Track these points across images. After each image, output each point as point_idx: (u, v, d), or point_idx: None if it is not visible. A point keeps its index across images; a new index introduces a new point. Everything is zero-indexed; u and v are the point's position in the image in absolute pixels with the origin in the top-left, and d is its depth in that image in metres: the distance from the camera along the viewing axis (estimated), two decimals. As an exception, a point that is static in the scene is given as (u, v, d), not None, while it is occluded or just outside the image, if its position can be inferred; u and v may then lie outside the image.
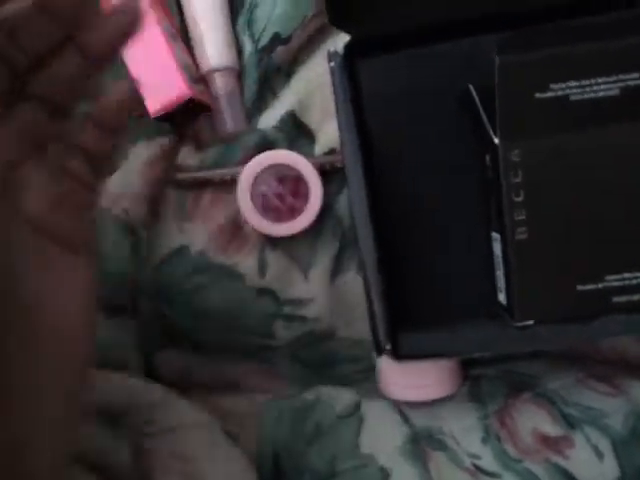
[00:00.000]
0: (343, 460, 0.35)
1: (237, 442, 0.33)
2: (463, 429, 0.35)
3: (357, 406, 0.37)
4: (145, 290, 0.38)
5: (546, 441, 0.34)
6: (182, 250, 0.37)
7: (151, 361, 0.40)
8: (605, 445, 0.33)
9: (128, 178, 0.36)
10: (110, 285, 0.36)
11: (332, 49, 0.31)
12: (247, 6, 0.38)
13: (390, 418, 0.36)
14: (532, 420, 0.35)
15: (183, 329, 0.39)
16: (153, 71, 0.36)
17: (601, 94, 0.28)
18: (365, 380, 0.40)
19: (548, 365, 0.39)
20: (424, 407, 0.37)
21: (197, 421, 0.32)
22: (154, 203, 0.37)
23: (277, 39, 0.36)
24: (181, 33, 0.39)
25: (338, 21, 0.30)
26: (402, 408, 0.37)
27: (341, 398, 0.38)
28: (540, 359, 0.40)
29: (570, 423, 0.35)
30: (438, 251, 0.33)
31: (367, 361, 0.40)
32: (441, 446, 0.35)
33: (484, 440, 0.35)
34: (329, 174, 0.37)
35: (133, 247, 0.36)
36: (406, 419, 0.36)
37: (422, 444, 0.35)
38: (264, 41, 0.37)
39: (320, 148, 0.38)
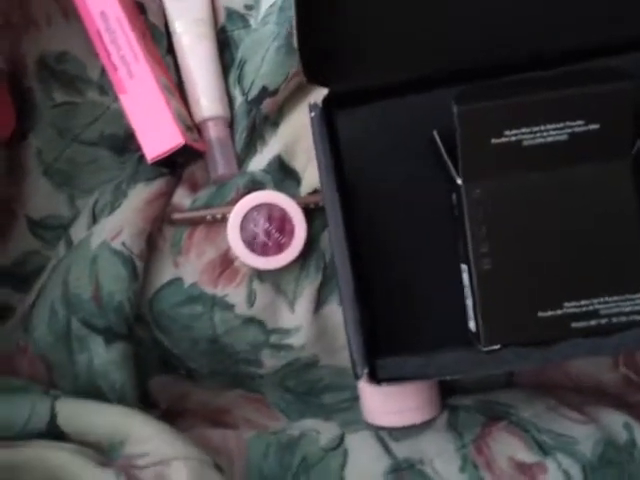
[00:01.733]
0: None
1: (227, 476, 0.34)
2: (442, 458, 0.37)
3: (341, 439, 0.39)
4: (141, 319, 0.40)
5: (521, 468, 0.36)
6: (176, 282, 0.39)
7: (146, 387, 0.41)
8: (576, 470, 0.35)
9: (128, 215, 0.38)
10: (110, 315, 0.38)
11: (312, 101, 0.35)
12: (237, 62, 0.41)
13: (372, 449, 0.38)
14: (507, 448, 0.37)
15: (178, 356, 0.41)
16: (150, 120, 0.39)
17: (550, 139, 0.31)
18: (350, 409, 0.42)
19: (522, 394, 0.41)
20: (405, 438, 0.39)
21: (188, 453, 0.33)
22: (151, 239, 0.39)
23: (265, 92, 0.39)
24: (177, 85, 0.42)
25: (314, 78, 0.34)
26: (384, 439, 0.39)
27: (326, 432, 0.39)
28: (515, 389, 0.42)
29: (543, 450, 0.36)
30: (413, 282, 0.36)
31: (351, 390, 0.42)
32: (421, 475, 0.36)
33: (462, 468, 0.36)
34: (313, 212, 0.40)
35: (131, 278, 0.38)
36: (388, 450, 0.38)
37: (403, 474, 0.36)
38: (253, 93, 0.40)
39: (305, 189, 0.40)
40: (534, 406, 0.39)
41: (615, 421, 0.37)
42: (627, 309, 0.32)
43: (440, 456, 0.37)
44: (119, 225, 0.38)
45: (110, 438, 0.33)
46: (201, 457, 0.33)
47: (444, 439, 0.38)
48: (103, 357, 0.37)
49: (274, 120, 0.41)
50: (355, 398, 0.42)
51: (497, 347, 0.32)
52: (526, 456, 0.36)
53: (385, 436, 0.39)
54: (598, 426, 0.37)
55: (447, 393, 0.41)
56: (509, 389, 0.42)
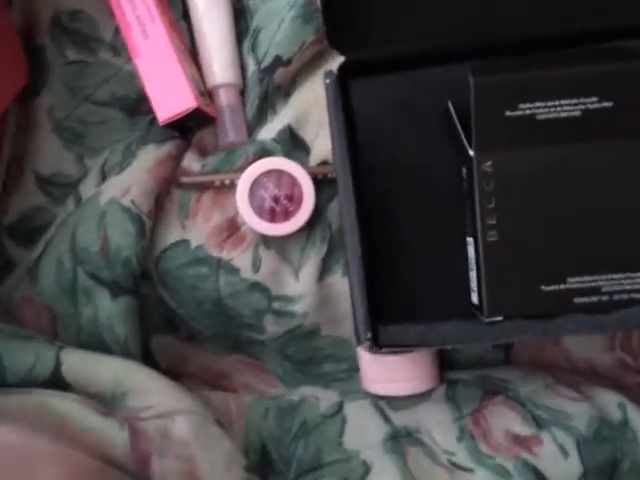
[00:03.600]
0: (328, 454, 0.37)
1: (227, 432, 0.35)
2: (439, 428, 0.37)
3: (340, 406, 0.39)
4: (147, 277, 0.40)
5: (516, 440, 0.36)
6: (182, 243, 0.39)
7: (148, 345, 0.42)
8: (570, 445, 0.36)
9: (137, 174, 0.38)
10: (117, 269, 0.38)
11: (328, 69, 0.35)
12: (252, 31, 0.41)
13: (371, 417, 0.38)
14: (504, 421, 0.37)
15: (181, 316, 0.41)
16: (164, 82, 0.39)
17: (564, 114, 0.32)
18: (348, 379, 0.42)
19: (520, 372, 0.41)
20: (403, 408, 0.39)
21: (191, 408, 0.33)
22: (159, 200, 0.40)
23: (278, 61, 0.39)
24: (191, 50, 0.42)
25: (334, 44, 0.34)
26: (383, 408, 0.39)
27: (325, 399, 0.40)
28: (513, 367, 0.42)
29: (539, 424, 0.37)
30: (418, 255, 0.36)
31: (350, 361, 0.43)
32: (419, 443, 0.37)
33: (459, 438, 0.37)
34: (321, 183, 0.40)
35: (139, 235, 0.38)
36: (387, 419, 0.38)
37: (401, 441, 0.37)
38: (266, 62, 0.40)
39: (314, 160, 0.40)
40: (531, 382, 0.40)
41: (610, 400, 0.38)
42: (628, 287, 0.32)
43: (438, 426, 0.38)
44: (128, 183, 0.38)
45: (113, 390, 0.33)
46: (203, 412, 0.33)
47: (442, 410, 0.38)
48: (109, 310, 0.37)
49: (286, 90, 0.41)
50: (354, 369, 0.42)
51: (499, 319, 0.33)
52: (522, 429, 0.37)
53: (384, 405, 0.39)
54: (593, 404, 0.37)
55: (446, 368, 0.42)
56: (507, 366, 0.42)
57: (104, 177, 0.40)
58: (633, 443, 0.36)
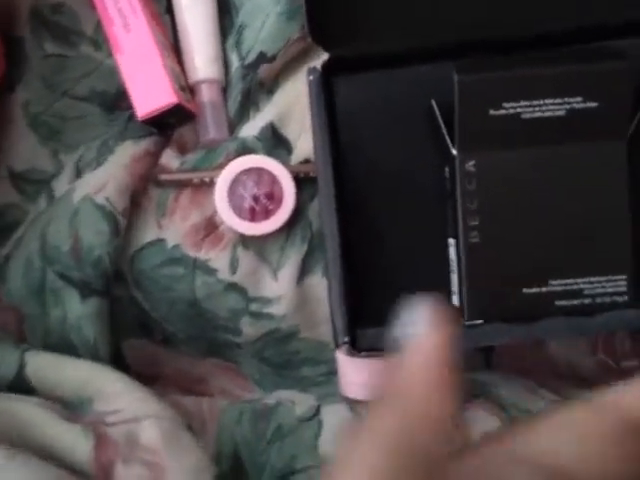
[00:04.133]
0: (302, 459, 0.36)
1: (197, 437, 0.34)
2: None
3: (317, 410, 0.38)
4: (121, 278, 0.39)
5: None
6: (158, 242, 0.39)
7: (120, 348, 0.40)
8: None
9: (113, 170, 0.38)
10: (87, 269, 0.37)
11: (312, 65, 0.34)
12: (237, 27, 0.41)
13: (347, 421, 0.38)
14: (484, 425, 0.36)
15: (155, 318, 0.40)
16: (145, 77, 0.38)
17: (548, 114, 0.31)
18: (327, 383, 0.41)
19: (502, 376, 0.41)
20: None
21: (161, 413, 0.32)
22: (135, 197, 0.39)
23: (262, 57, 0.39)
24: (173, 46, 0.42)
25: (318, 40, 0.33)
26: (360, 412, 0.38)
27: (301, 403, 0.39)
28: (496, 370, 0.42)
29: None
30: (398, 256, 0.36)
31: (329, 364, 0.41)
32: None
33: None
34: (302, 182, 0.39)
35: (112, 234, 0.37)
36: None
37: None
38: (250, 59, 0.39)
39: (296, 158, 0.40)
40: (513, 386, 0.39)
41: None
42: (610, 290, 0.32)
43: None
44: (103, 180, 0.37)
45: (79, 393, 0.32)
46: (173, 417, 0.32)
47: None
48: (78, 311, 0.36)
49: (269, 87, 0.40)
50: (332, 373, 0.41)
51: (480, 322, 0.32)
52: None
53: (361, 409, 0.38)
54: None
55: (425, 372, 0.41)
56: (489, 371, 0.42)
57: (79, 174, 0.39)
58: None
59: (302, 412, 0.38)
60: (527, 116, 0.31)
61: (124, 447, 0.30)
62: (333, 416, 0.38)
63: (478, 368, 0.42)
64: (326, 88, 0.35)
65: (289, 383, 0.42)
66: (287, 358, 0.42)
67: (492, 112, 0.31)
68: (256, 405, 0.38)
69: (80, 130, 0.41)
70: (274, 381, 0.42)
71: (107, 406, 0.32)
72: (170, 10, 0.42)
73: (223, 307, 0.39)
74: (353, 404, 0.39)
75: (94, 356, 0.36)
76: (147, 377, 0.39)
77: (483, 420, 0.37)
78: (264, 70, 0.39)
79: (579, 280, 0.32)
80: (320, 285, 0.39)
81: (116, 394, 0.32)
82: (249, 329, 0.40)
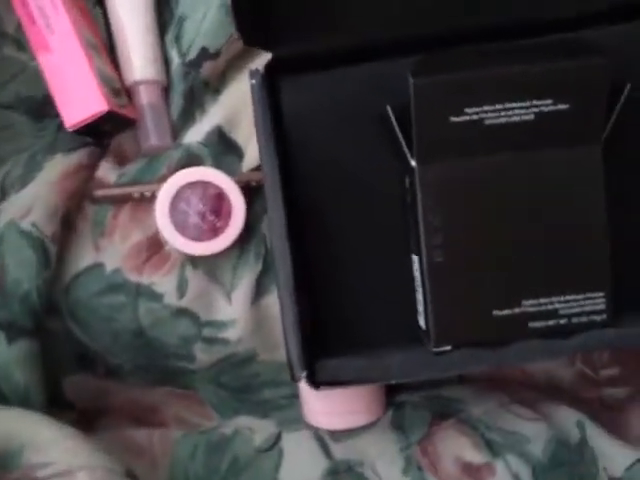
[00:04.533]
0: None
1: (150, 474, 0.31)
2: (384, 459, 0.34)
3: (277, 438, 0.36)
4: (55, 310, 0.36)
5: (468, 469, 0.34)
6: (96, 268, 0.36)
7: (60, 386, 0.38)
8: (525, 473, 0.33)
9: (40, 190, 0.34)
10: (14, 306, 0.33)
11: (254, 67, 0.31)
12: (176, 19, 0.37)
13: (310, 450, 0.35)
14: (454, 447, 0.35)
15: (96, 351, 0.37)
16: (71, 82, 0.35)
17: (515, 119, 0.28)
18: (290, 406, 0.39)
19: (473, 390, 0.39)
20: (346, 438, 0.36)
21: (94, 462, 0.29)
22: (68, 218, 0.35)
23: (205, 53, 0.35)
24: (106, 43, 0.38)
25: (252, 40, 0.30)
26: (324, 439, 0.36)
27: (261, 430, 0.37)
28: (466, 384, 0.40)
29: (492, 449, 0.34)
30: (358, 274, 0.33)
31: (291, 386, 0.39)
32: (360, 479, 0.34)
33: (405, 471, 0.34)
34: (255, 192, 0.36)
35: (41, 264, 0.34)
36: (327, 451, 0.35)
37: (341, 477, 0.34)
38: (192, 55, 0.36)
39: (247, 164, 0.37)
40: (485, 402, 0.37)
41: (568, 419, 0.36)
42: (587, 308, 0.29)
43: (382, 457, 0.35)
44: (30, 202, 0.34)
45: (7, 445, 0.29)
46: (110, 466, 0.29)
47: (388, 439, 0.36)
48: (4, 356, 0.33)
49: (215, 87, 0.37)
50: (295, 395, 0.39)
51: (448, 348, 0.30)
52: (474, 456, 0.34)
53: (325, 435, 0.36)
54: (550, 424, 0.35)
55: (393, 389, 0.39)
56: (459, 384, 0.40)
57: (3, 195, 0.35)
58: (592, 466, 0.34)
59: (261, 441, 0.36)
60: (491, 122, 0.28)
61: None
62: (295, 445, 0.36)
63: (450, 381, 0.39)
64: (271, 91, 0.31)
65: (249, 407, 0.39)
66: (246, 382, 0.39)
67: (453, 119, 0.28)
68: (211, 436, 0.36)
69: (6, 142, 0.37)
70: (233, 406, 0.40)
71: (38, 458, 0.29)
72: (101, 2, 0.38)
73: (172, 334, 0.36)
74: (317, 430, 0.37)
75: (25, 402, 0.33)
76: (94, 412, 0.37)
77: (455, 441, 0.35)
78: (208, 68, 0.36)
79: (554, 299, 0.29)
80: (277, 305, 0.36)
81: (47, 444, 0.29)
82: (203, 355, 0.37)
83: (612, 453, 0.33)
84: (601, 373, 0.39)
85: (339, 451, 0.35)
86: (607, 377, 0.39)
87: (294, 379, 0.29)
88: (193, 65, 0.36)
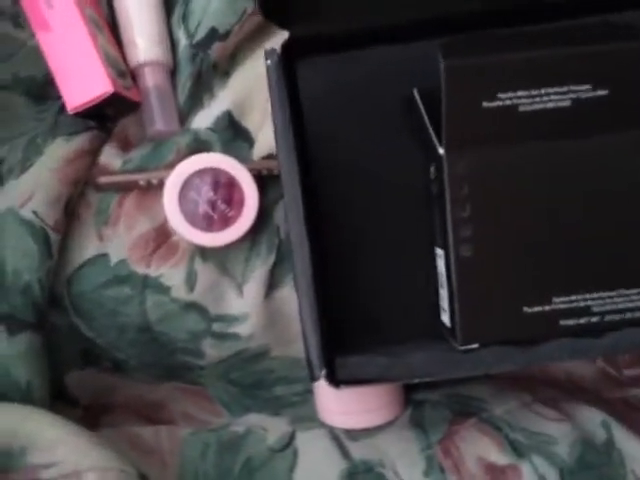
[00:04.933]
0: None
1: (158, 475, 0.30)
2: (404, 460, 0.33)
3: (291, 437, 0.35)
4: (58, 303, 0.34)
5: (492, 470, 0.33)
6: (100, 258, 0.34)
7: (63, 381, 0.36)
8: (553, 475, 0.32)
9: (42, 176, 0.32)
10: (14, 298, 0.32)
11: (270, 47, 0.29)
12: (183, -3, 0.35)
13: (327, 450, 0.34)
14: (477, 448, 0.33)
15: (101, 346, 0.36)
16: (73, 63, 0.33)
17: (551, 105, 0.26)
18: (303, 403, 0.38)
19: (494, 388, 0.38)
20: (364, 437, 0.35)
21: (106, 463, 0.28)
22: (70, 206, 0.34)
23: (214, 34, 0.34)
24: (109, 22, 0.36)
25: (272, 16, 0.28)
26: (340, 438, 0.35)
27: (274, 429, 0.35)
28: (486, 382, 0.39)
29: (517, 450, 0.33)
30: (378, 268, 0.31)
31: (305, 383, 0.38)
32: None
33: (426, 473, 0.33)
34: (267, 180, 0.35)
35: (43, 254, 0.32)
36: (344, 451, 0.34)
37: (361, 478, 0.32)
38: (199, 36, 0.34)
39: (258, 152, 0.35)
40: (507, 402, 0.36)
41: (592, 419, 0.35)
42: (621, 306, 0.28)
43: (402, 458, 0.33)
44: (30, 189, 0.32)
45: (10, 445, 0.28)
46: (122, 467, 0.28)
47: (407, 438, 0.34)
48: (5, 351, 0.31)
49: (225, 69, 0.35)
50: (309, 391, 0.38)
51: (475, 346, 0.28)
52: (498, 458, 0.33)
53: (341, 434, 0.35)
54: (575, 425, 0.34)
55: (411, 387, 0.38)
56: (480, 382, 0.38)
57: (2, 181, 0.34)
58: (620, 467, 0.33)
59: (274, 440, 0.34)
60: (526, 108, 0.26)
61: None
62: (310, 444, 0.34)
63: (470, 380, 0.38)
64: (288, 73, 0.30)
65: (261, 405, 0.38)
66: (258, 378, 0.38)
67: (485, 104, 0.26)
68: (222, 434, 0.34)
69: (3, 125, 0.35)
70: (244, 403, 0.38)
71: (43, 458, 0.27)
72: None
73: (181, 329, 0.35)
74: (333, 429, 0.35)
75: (28, 399, 0.32)
76: (98, 409, 0.35)
77: (477, 442, 0.34)
78: (217, 49, 0.34)
79: (587, 296, 0.28)
80: (291, 298, 0.35)
81: (53, 442, 0.28)
82: (212, 351, 0.36)
83: (641, 455, 0.32)
84: (625, 373, 0.38)
85: (357, 451, 0.34)
86: (631, 377, 0.38)
87: (313, 378, 0.28)
88: (201, 46, 0.34)
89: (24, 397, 0.32)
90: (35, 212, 0.32)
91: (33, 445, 0.28)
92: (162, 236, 0.34)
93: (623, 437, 0.33)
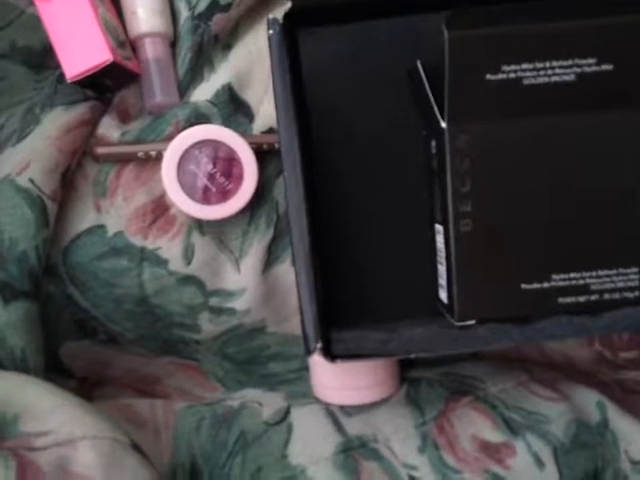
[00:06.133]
0: (269, 472, 0.32)
1: (146, 458, 0.29)
2: (399, 436, 0.33)
3: (286, 412, 0.35)
4: (53, 273, 0.34)
5: (486, 448, 0.33)
6: (97, 229, 0.34)
7: (57, 353, 0.36)
8: (546, 453, 0.32)
9: (39, 145, 0.32)
10: (10, 267, 0.32)
11: (273, 16, 0.29)
12: (184, -32, 0.35)
13: (321, 425, 0.34)
14: (472, 426, 0.33)
15: (97, 318, 0.35)
16: (73, 31, 0.33)
17: (555, 79, 0.26)
18: (298, 380, 0.38)
19: (490, 367, 0.38)
20: (359, 413, 0.35)
21: (100, 432, 0.28)
22: (67, 176, 0.33)
23: (215, 5, 0.33)
24: (109, -8, 0.35)
25: None
26: (335, 413, 0.35)
27: (269, 404, 0.35)
28: (482, 361, 0.39)
29: (511, 429, 0.33)
30: (377, 243, 0.31)
31: (300, 359, 0.38)
32: (375, 456, 0.32)
33: (421, 449, 0.33)
34: (267, 155, 0.34)
35: (39, 223, 0.32)
36: (339, 426, 0.34)
37: (355, 454, 0.32)
38: (201, 7, 0.34)
39: (258, 126, 0.35)
40: (503, 381, 0.36)
41: (588, 399, 0.35)
42: (620, 285, 0.28)
43: (397, 434, 0.33)
44: (27, 157, 0.32)
45: (2, 413, 0.27)
46: (115, 436, 0.27)
47: (402, 415, 0.34)
48: (0, 319, 0.31)
49: (226, 42, 0.35)
50: (304, 368, 0.38)
51: (472, 322, 0.28)
52: (493, 435, 0.33)
53: (336, 410, 0.35)
54: (570, 404, 0.34)
55: (407, 364, 0.38)
56: (476, 361, 0.38)
57: (-1, 148, 0.33)
58: (613, 447, 0.33)
59: (269, 415, 0.34)
60: (530, 81, 0.26)
61: (55, 477, 0.25)
62: (305, 419, 0.34)
63: (465, 358, 0.38)
64: (290, 43, 0.29)
65: (255, 380, 0.38)
66: (253, 354, 0.38)
67: (489, 77, 0.26)
68: (217, 408, 0.34)
69: (1, 94, 0.35)
70: (239, 379, 0.38)
71: (35, 426, 0.27)
72: (104, -53, 0.35)
73: (177, 303, 0.35)
74: (328, 405, 0.35)
75: (22, 368, 0.32)
76: (92, 381, 0.35)
77: (472, 420, 0.34)
78: (218, 21, 0.34)
79: (585, 274, 0.28)
80: (289, 274, 0.35)
81: (46, 411, 0.28)
82: (209, 326, 0.36)
83: (634, 436, 0.32)
84: (621, 355, 0.38)
85: (352, 426, 0.34)
86: (627, 360, 0.38)
87: (308, 351, 0.27)
88: (203, 18, 0.34)
89: (19, 366, 0.32)
90: (32, 180, 0.31)
91: (27, 413, 0.27)
92: (160, 208, 0.34)
93: (617, 418, 0.33)
